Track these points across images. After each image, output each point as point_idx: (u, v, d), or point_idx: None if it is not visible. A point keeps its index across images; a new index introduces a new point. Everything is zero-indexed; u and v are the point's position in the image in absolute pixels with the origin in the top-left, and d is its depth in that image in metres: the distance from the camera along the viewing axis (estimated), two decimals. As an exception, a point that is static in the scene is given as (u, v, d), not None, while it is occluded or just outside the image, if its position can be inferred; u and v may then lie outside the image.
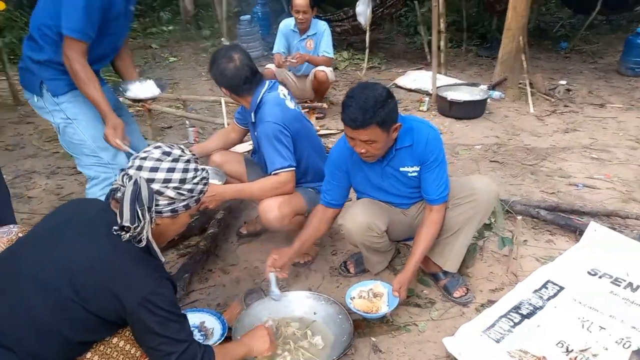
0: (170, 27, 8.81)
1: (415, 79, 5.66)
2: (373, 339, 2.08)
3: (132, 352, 1.48)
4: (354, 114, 1.92)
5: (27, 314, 1.33)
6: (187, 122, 4.10)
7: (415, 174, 2.19)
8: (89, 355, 1.42)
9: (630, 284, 2.33)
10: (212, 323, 2.05)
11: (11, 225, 1.77)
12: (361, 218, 2.19)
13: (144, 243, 1.41)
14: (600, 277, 2.40)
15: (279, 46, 4.59)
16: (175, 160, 1.49)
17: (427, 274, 2.45)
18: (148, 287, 1.38)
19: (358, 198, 2.40)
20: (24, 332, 1.32)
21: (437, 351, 2.01)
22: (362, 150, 2.04)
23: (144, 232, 1.41)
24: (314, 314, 2.13)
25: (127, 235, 1.39)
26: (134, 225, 1.38)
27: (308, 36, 4.49)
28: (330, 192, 2.31)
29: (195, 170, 1.53)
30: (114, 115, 2.23)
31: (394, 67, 6.54)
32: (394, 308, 2.09)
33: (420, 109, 4.99)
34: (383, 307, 2.11)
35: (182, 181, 1.48)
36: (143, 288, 1.38)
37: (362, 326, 2.14)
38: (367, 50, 5.28)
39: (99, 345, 1.44)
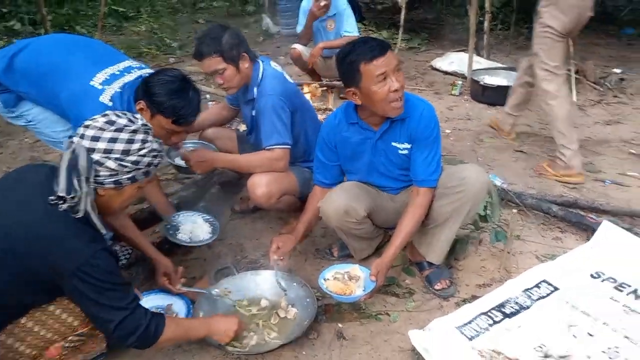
0: (220, 3, 8.90)
1: (453, 61, 5.40)
2: (340, 325, 2.02)
3: (69, 321, 1.49)
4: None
5: None
6: (207, 96, 4.14)
7: (406, 152, 2.08)
8: (23, 320, 1.44)
9: (635, 291, 2.12)
10: (180, 308, 1.99)
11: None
12: (339, 202, 2.10)
13: (81, 214, 1.38)
14: (602, 280, 2.21)
15: (301, 26, 4.47)
16: (119, 130, 1.44)
17: (413, 264, 2.35)
18: (81, 259, 1.36)
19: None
20: None
21: (403, 343, 1.92)
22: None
23: (82, 203, 1.37)
24: (285, 294, 2.10)
25: (65, 205, 1.35)
26: (70, 196, 1.35)
27: (328, 17, 4.26)
28: (322, 170, 2.25)
29: (143, 141, 1.47)
30: (162, 257, 2.08)
31: (435, 48, 6.29)
32: (369, 293, 1.99)
33: (452, 92, 4.77)
34: (357, 291, 2.00)
35: (126, 152, 1.43)
36: (76, 259, 1.35)
37: (332, 311, 2.08)
38: (400, 29, 5.08)
39: (35, 311, 1.45)
